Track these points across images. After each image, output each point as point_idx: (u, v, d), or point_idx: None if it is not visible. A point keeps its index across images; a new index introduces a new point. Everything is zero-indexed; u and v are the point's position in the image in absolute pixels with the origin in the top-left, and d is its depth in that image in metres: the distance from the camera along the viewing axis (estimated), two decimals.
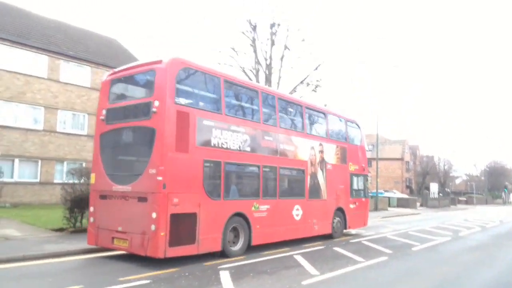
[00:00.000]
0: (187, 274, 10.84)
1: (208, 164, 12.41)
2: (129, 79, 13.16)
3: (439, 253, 14.78)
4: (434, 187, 57.37)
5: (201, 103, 12.78)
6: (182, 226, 11.64)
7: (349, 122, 19.38)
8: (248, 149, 13.71)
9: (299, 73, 33.34)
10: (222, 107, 13.08)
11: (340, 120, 18.93)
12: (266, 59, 28.51)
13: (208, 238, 12.28)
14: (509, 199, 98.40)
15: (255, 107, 14.46)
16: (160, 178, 11.28)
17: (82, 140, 29.20)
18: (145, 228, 11.39)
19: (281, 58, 28.42)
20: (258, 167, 14.11)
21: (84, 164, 27.55)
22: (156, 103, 11.63)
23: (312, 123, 17.11)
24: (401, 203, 44.27)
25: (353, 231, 19.79)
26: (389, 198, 43.15)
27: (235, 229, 13.30)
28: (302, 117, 16.52)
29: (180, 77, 12.06)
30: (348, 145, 18.84)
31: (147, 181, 11.60)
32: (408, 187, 75.74)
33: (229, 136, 13.09)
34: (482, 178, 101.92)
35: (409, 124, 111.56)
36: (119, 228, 11.99)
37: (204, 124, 12.40)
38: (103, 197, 12.56)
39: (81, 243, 13.47)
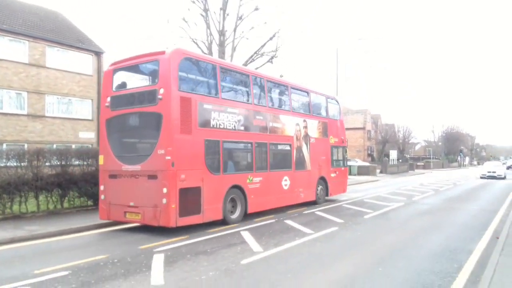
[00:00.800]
0: (195, 240, 12.26)
1: (208, 143, 13.91)
2: (133, 69, 14.41)
3: (389, 220, 14.97)
4: (393, 154, 58.92)
5: (200, 89, 14.13)
6: (189, 199, 13.06)
7: (329, 99, 21.42)
8: (242, 128, 15.27)
9: (255, 44, 32.82)
10: (219, 92, 14.54)
11: (321, 98, 20.82)
12: (219, 31, 26.97)
13: (211, 209, 13.77)
14: (464, 163, 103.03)
15: (246, 89, 15.97)
16: (168, 157, 12.66)
17: (22, 121, 27.58)
18: (156, 202, 12.73)
19: (234, 30, 26.84)
20: (251, 143, 15.76)
21: (26, 146, 25.97)
22: (162, 91, 12.98)
23: (296, 101, 18.88)
24: (362, 171, 45.08)
25: (334, 197, 21.86)
26: (350, 166, 45.14)
27: (233, 200, 14.82)
28: (288, 97, 18.21)
29: (182, 66, 13.37)
30: (328, 120, 20.88)
31: (156, 160, 12.91)
32: (369, 155, 78.55)
33: (226, 117, 14.60)
34: (440, 143, 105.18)
35: (371, 94, 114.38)
36: (131, 203, 13.28)
37: (204, 107, 13.84)
38: (112, 176, 13.85)
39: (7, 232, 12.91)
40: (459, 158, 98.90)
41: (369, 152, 78.57)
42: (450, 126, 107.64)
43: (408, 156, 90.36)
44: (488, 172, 42.77)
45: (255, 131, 15.90)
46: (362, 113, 76.98)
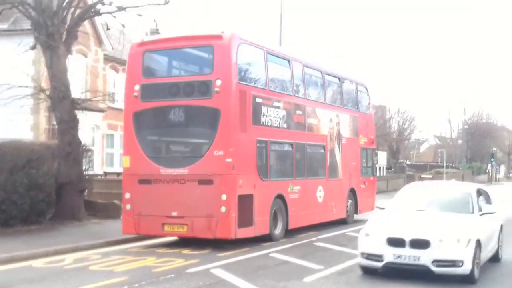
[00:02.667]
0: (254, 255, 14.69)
1: (259, 144, 16.62)
2: (173, 53, 16.86)
3: None
4: (381, 159, 47.72)
5: (252, 80, 16.91)
6: (245, 208, 15.57)
7: (359, 85, 24.10)
8: (285, 125, 18.02)
9: None
10: (267, 82, 17.26)
11: (351, 84, 23.56)
12: None
13: (260, 221, 16.47)
14: (498, 175, 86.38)
15: (288, 78, 18.75)
16: (229, 159, 15.20)
17: None
18: (212, 211, 15.27)
19: None
20: (292, 144, 18.49)
21: None
22: (218, 82, 15.31)
23: (330, 91, 21.76)
24: None
25: (361, 215, 23.00)
26: None
27: (274, 212, 17.04)
28: (322, 85, 21.06)
29: (239, 54, 15.90)
30: (359, 114, 23.61)
31: (211, 163, 15.22)
32: None
33: (272, 113, 17.29)
34: (460, 142, 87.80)
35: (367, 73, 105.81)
36: (173, 213, 15.64)
37: (256, 101, 16.56)
38: (145, 181, 16.03)
39: None
40: (489, 167, 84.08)
41: None
42: (477, 113, 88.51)
43: (406, 162, 74.97)
44: None
45: (295, 129, 18.68)
46: None
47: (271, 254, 14.82)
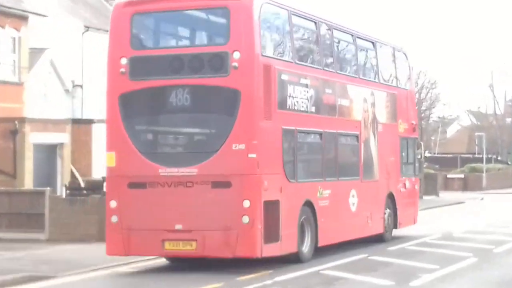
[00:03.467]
0: None
1: (285, 134, 14.84)
2: (173, 16, 15.04)
3: None
4: None
5: (277, 51, 15.24)
6: (271, 218, 13.84)
7: (397, 51, 21.76)
8: (313, 109, 16.26)
9: None
10: (292, 53, 15.59)
11: (388, 50, 21.37)
12: None
13: (287, 234, 14.87)
14: None
15: (316, 47, 17.12)
16: (253, 155, 13.45)
17: None
18: (229, 222, 13.51)
19: None
20: (321, 134, 16.74)
21: None
22: (237, 55, 13.54)
23: (362, 61, 19.83)
24: None
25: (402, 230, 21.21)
26: None
27: (301, 224, 15.12)
28: (355, 53, 19.16)
29: (263, 19, 14.21)
30: (398, 90, 21.35)
31: (229, 159, 13.54)
32: None
33: (299, 93, 15.57)
34: (509, 120, 70.77)
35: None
36: (177, 227, 13.80)
37: (282, 79, 14.86)
38: (138, 185, 14.14)
39: None
40: None
41: None
42: None
43: (425, 153, 63.90)
44: None
45: (325, 114, 16.86)
46: None
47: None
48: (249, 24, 13.68)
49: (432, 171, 49.40)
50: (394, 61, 21.52)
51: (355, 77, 18.72)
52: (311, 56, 17.00)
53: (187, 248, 13.68)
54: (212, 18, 14.78)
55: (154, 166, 13.87)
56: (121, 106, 14.26)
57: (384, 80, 20.54)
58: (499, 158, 66.92)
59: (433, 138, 73.83)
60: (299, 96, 15.42)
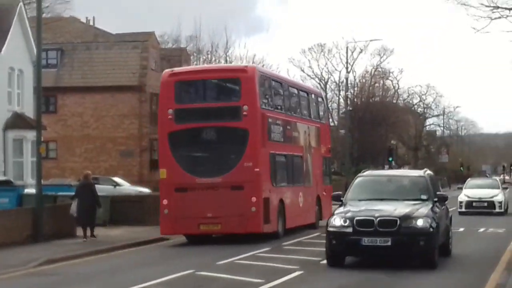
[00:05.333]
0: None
1: (271, 156, 23.59)
2: (203, 83, 23.73)
3: None
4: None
5: (265, 104, 23.86)
6: (266, 208, 22.19)
7: (318, 96, 31.39)
8: (282, 139, 24.97)
9: None
10: (272, 103, 24.43)
11: (315, 96, 30.71)
12: None
13: (273, 219, 23.33)
14: None
15: (281, 98, 25.93)
16: (257, 169, 22.11)
17: None
18: (242, 211, 21.94)
19: None
20: (285, 156, 25.50)
21: None
22: (246, 108, 22.12)
23: (303, 105, 28.76)
24: None
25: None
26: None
27: (278, 213, 23.88)
28: (299, 101, 28.18)
29: (259, 85, 22.94)
30: (320, 124, 30.47)
31: (242, 172, 22.01)
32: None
33: (276, 130, 24.33)
34: (342, 131, 73.04)
35: None
36: (209, 215, 22.14)
37: (269, 121, 23.59)
38: (181, 189, 22.44)
39: None
40: (386, 169, 58.26)
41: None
42: (366, 86, 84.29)
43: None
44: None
45: (286, 143, 25.46)
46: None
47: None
48: (253, 89, 22.22)
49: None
50: (317, 104, 30.77)
51: (300, 117, 27.54)
52: (280, 105, 25.48)
53: (215, 228, 22.11)
54: (229, 84, 23.40)
55: (192, 177, 22.07)
56: (169, 140, 22.49)
57: (313, 117, 29.40)
58: (334, 169, 69.75)
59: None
60: (276, 132, 24.09)
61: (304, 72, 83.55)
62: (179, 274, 15.18)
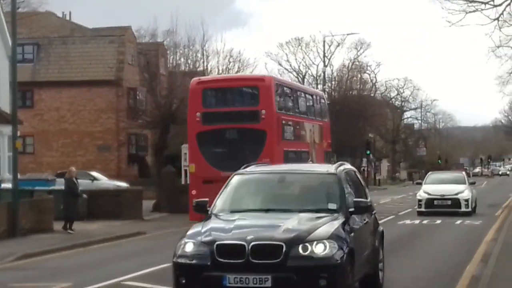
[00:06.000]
0: None
1: (285, 153, 25.97)
2: (227, 91, 26.89)
3: None
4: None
5: (279, 107, 26.61)
6: None
7: (321, 98, 34.62)
8: (292, 138, 27.70)
9: None
10: (285, 107, 27.43)
11: (318, 97, 33.94)
12: None
13: None
14: (379, 175, 77.78)
15: (291, 102, 29.02)
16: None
17: None
18: None
19: None
20: (295, 152, 27.73)
21: None
22: (263, 112, 24.76)
23: (310, 106, 31.83)
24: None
25: None
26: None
27: None
28: (306, 102, 31.27)
29: (275, 91, 25.71)
30: (322, 122, 33.28)
31: None
32: (140, 162, 57.76)
33: (288, 130, 27.20)
34: None
35: None
36: None
37: (283, 123, 26.23)
38: (208, 181, 23.98)
39: None
40: (364, 162, 73.98)
41: (137, 152, 56.99)
42: (344, 79, 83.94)
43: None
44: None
45: (296, 140, 28.30)
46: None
47: None
48: (270, 95, 25.35)
49: None
50: (320, 103, 33.78)
51: (306, 117, 30.39)
52: (291, 107, 28.77)
53: None
54: (249, 91, 26.67)
55: (217, 171, 23.75)
56: (198, 139, 25.69)
57: (316, 116, 32.37)
58: (333, 162, 77.16)
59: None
60: (288, 131, 27.08)
61: (281, 66, 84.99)
62: (159, 267, 15.41)
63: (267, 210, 10.68)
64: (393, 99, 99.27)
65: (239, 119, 25.46)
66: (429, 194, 31.98)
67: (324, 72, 74.83)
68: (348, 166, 12.74)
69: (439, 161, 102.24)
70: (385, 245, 13.03)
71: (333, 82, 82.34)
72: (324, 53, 76.90)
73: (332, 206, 10.57)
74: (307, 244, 9.23)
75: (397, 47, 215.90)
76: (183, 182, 35.17)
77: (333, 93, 79.12)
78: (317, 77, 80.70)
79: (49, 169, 47.14)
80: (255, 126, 25.18)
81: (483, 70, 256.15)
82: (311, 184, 11.56)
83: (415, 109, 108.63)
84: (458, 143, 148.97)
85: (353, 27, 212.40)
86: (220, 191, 11.32)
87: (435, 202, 31.70)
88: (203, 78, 30.21)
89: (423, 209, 31.70)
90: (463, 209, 31.00)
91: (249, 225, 9.99)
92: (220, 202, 11.03)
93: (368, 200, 12.04)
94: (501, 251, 16.57)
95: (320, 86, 73.56)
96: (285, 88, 28.71)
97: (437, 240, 21.34)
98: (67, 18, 64.11)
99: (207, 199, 11.24)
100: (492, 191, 59.68)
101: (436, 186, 32.87)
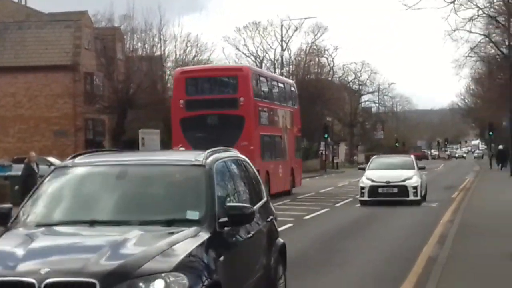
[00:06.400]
0: None
1: (261, 137, 27.79)
2: (206, 79, 29.00)
3: None
4: None
5: (256, 95, 28.37)
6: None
7: (291, 86, 36.61)
8: (267, 123, 29.56)
9: None
10: (261, 94, 29.21)
11: (289, 86, 35.94)
12: None
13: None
14: (337, 158, 78.27)
15: (266, 89, 31.05)
16: (251, 147, 25.46)
17: None
18: None
19: None
20: (270, 136, 29.59)
21: None
22: (242, 99, 26.46)
23: (282, 94, 34.03)
24: None
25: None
26: None
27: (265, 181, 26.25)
28: (278, 90, 33.46)
29: (252, 80, 27.32)
30: (293, 108, 35.35)
31: (239, 150, 22.25)
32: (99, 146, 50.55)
33: (263, 115, 28.90)
34: None
35: None
36: None
37: (259, 109, 27.93)
38: None
39: None
40: (322, 146, 71.30)
41: (94, 138, 54.72)
42: (302, 62, 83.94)
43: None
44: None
45: (270, 125, 30.12)
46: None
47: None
48: (247, 84, 27.15)
49: None
50: (291, 91, 35.97)
51: (279, 104, 32.42)
52: (266, 95, 30.53)
53: None
54: (228, 80, 28.70)
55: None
56: (181, 124, 27.69)
57: (288, 103, 34.52)
58: (303, 146, 64.34)
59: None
60: (263, 117, 29.07)
61: (239, 50, 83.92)
62: None
63: (91, 223, 6.79)
64: (350, 83, 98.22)
65: (219, 105, 27.63)
66: (372, 181, 27.49)
67: (282, 57, 74.67)
68: (229, 153, 8.87)
69: (397, 144, 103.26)
70: (342, 229, 12.27)
71: (290, 66, 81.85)
72: (282, 37, 76.90)
73: (193, 215, 6.79)
74: (137, 281, 5.51)
75: (354, 31, 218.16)
76: None
77: (291, 77, 77.48)
78: (275, 62, 79.99)
79: (5, 155, 47.02)
80: (234, 112, 27.44)
81: (440, 53, 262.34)
82: (165, 181, 7.53)
83: (372, 92, 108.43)
84: (416, 126, 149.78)
85: (311, 11, 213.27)
86: (31, 192, 7.39)
87: (380, 190, 27.39)
88: (186, 68, 34.25)
89: (366, 198, 27.38)
90: (411, 197, 27.12)
91: (51, 248, 6.22)
92: (26, 210, 7.14)
93: (263, 201, 8.81)
94: (457, 232, 16.70)
95: (278, 71, 73.70)
96: (261, 77, 31.48)
97: (394, 222, 21.31)
98: (23, 3, 62.94)
99: (10, 205, 7.38)
100: (449, 174, 61.41)
101: (381, 171, 28.24)
